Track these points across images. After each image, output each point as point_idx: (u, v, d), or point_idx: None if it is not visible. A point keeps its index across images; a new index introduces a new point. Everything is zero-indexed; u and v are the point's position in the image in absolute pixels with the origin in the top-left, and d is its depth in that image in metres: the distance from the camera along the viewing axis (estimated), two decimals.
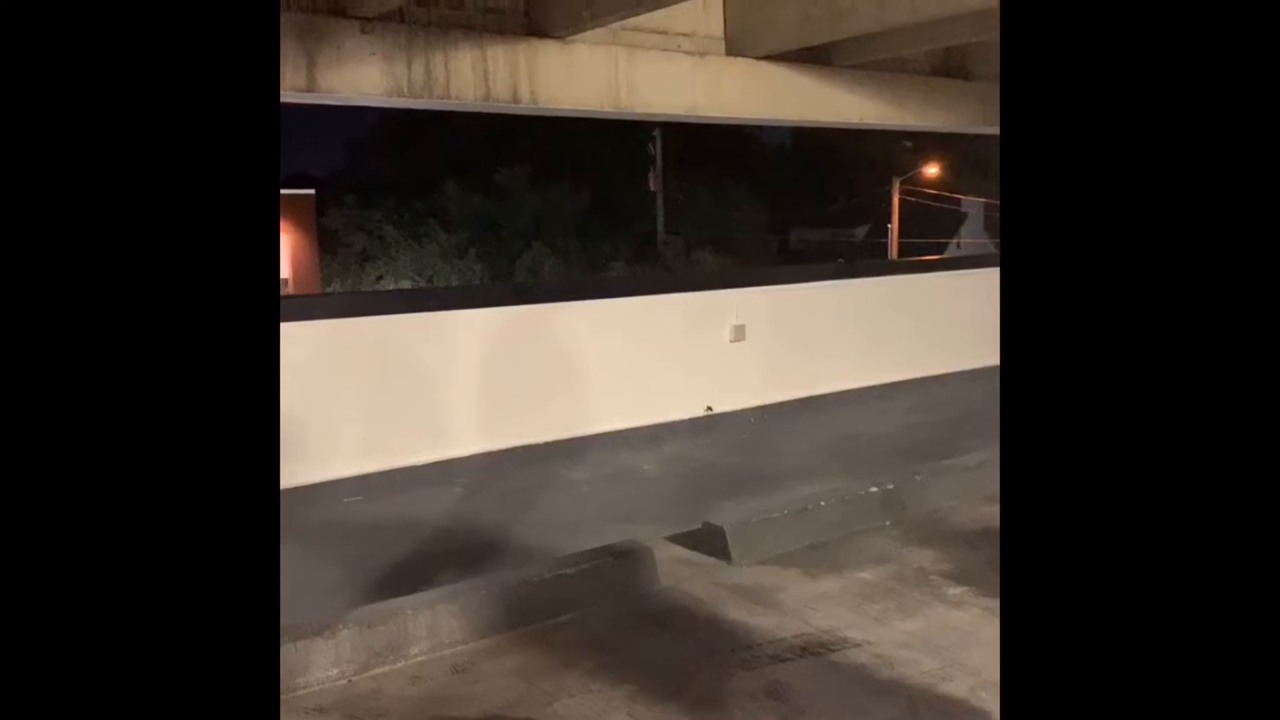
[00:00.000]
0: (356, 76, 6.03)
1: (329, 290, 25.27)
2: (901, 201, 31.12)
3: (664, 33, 7.38)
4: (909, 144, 29.31)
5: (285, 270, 23.39)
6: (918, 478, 4.70)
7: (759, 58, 7.94)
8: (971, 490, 4.72)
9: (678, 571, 3.89)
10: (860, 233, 34.71)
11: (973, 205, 33.71)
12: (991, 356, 6.19)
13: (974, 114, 9.08)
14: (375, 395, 5.02)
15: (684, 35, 7.51)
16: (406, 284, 26.16)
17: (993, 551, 4.16)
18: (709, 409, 6.29)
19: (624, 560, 3.72)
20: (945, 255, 26.41)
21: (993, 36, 6.69)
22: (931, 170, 31.19)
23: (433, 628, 3.21)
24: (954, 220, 34.03)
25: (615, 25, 6.82)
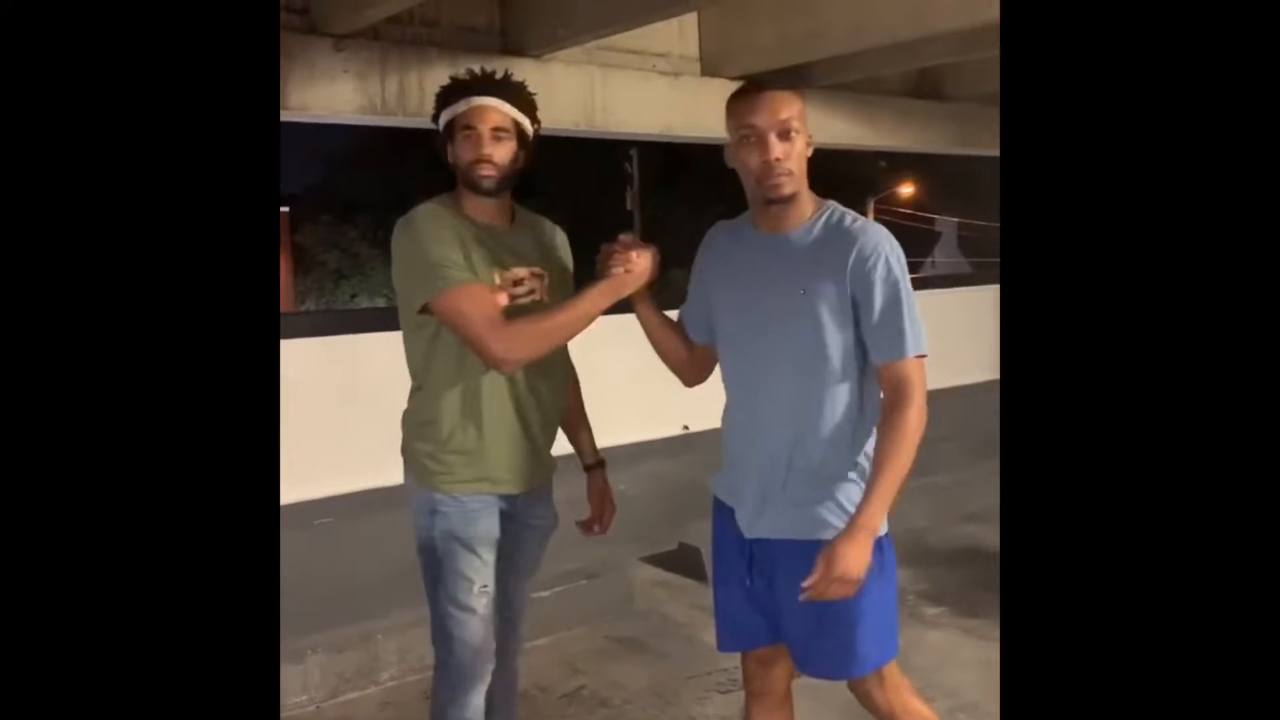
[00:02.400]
0: (329, 94, 5.97)
1: (303, 308, 25.11)
2: (876, 220, 31.32)
3: (640, 53, 7.38)
4: (884, 163, 29.52)
5: None
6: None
7: (734, 78, 7.96)
8: (947, 509, 4.71)
9: (654, 593, 3.86)
10: None
11: (946, 224, 34.03)
12: (966, 376, 6.20)
13: (947, 134, 9.13)
14: (345, 415, 4.95)
15: (659, 55, 7.52)
16: (381, 302, 26.02)
17: (970, 572, 4.15)
18: (685, 428, 6.25)
19: (599, 582, 3.68)
20: (920, 274, 26.60)
21: (968, 58, 6.72)
22: (906, 190, 31.45)
23: (403, 652, 3.16)
24: (928, 239, 34.31)
25: (591, 45, 6.82)
